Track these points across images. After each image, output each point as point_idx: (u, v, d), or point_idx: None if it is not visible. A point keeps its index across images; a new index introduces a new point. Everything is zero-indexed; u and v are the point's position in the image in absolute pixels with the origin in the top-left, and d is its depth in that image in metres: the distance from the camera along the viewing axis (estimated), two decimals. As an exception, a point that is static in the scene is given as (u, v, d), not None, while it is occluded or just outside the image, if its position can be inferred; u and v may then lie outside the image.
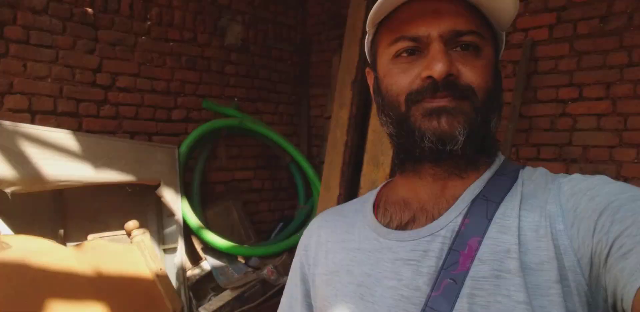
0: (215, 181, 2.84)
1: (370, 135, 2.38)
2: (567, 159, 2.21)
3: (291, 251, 2.82)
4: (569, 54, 2.20)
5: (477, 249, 0.50)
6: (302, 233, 2.83)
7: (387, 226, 0.59)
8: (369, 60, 0.64)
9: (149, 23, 2.48)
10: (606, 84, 2.10)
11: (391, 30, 0.56)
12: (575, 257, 0.46)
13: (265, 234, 3.09)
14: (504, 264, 0.48)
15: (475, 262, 0.49)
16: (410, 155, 0.57)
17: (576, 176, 0.53)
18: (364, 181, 2.34)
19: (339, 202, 2.50)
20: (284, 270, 2.60)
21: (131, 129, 2.43)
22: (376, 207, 0.64)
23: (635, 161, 2.03)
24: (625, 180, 2.03)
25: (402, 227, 0.57)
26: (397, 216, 0.59)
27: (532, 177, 0.56)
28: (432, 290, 0.49)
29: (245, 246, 2.69)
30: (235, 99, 2.94)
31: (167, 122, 2.58)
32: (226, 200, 2.86)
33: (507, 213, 0.51)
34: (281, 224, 3.13)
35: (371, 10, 0.54)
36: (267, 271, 2.48)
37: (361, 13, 2.64)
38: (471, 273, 0.48)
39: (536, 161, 2.30)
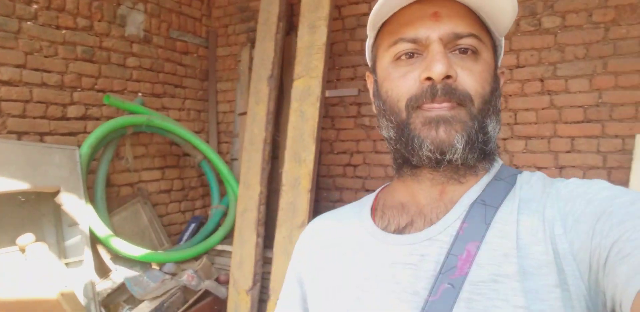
0: (120, 183, 2.60)
1: (291, 132, 2.36)
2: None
3: (210, 253, 2.70)
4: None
5: (475, 254, 0.49)
6: (219, 234, 2.73)
7: (385, 229, 0.58)
8: (369, 64, 0.63)
9: (35, 6, 2.16)
10: (499, 83, 2.36)
11: (390, 33, 0.55)
12: (574, 261, 0.46)
13: (177, 236, 2.93)
14: (502, 268, 0.47)
15: (474, 266, 0.49)
16: (408, 161, 0.57)
17: (574, 180, 0.54)
18: (286, 177, 2.32)
19: (260, 200, 2.45)
20: (205, 274, 2.48)
21: (18, 128, 2.10)
22: (374, 210, 0.63)
23: (524, 151, 2.32)
24: (516, 168, 2.30)
25: (400, 231, 0.57)
26: (394, 220, 0.59)
27: (530, 182, 0.56)
28: (430, 294, 0.49)
29: (160, 251, 2.51)
30: (140, 94, 2.71)
31: (62, 120, 2.28)
32: (134, 203, 2.64)
33: (505, 218, 0.51)
34: (193, 224, 2.99)
35: (370, 14, 0.53)
36: (186, 277, 2.35)
37: (275, 8, 2.59)
38: (469, 278, 0.48)
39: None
